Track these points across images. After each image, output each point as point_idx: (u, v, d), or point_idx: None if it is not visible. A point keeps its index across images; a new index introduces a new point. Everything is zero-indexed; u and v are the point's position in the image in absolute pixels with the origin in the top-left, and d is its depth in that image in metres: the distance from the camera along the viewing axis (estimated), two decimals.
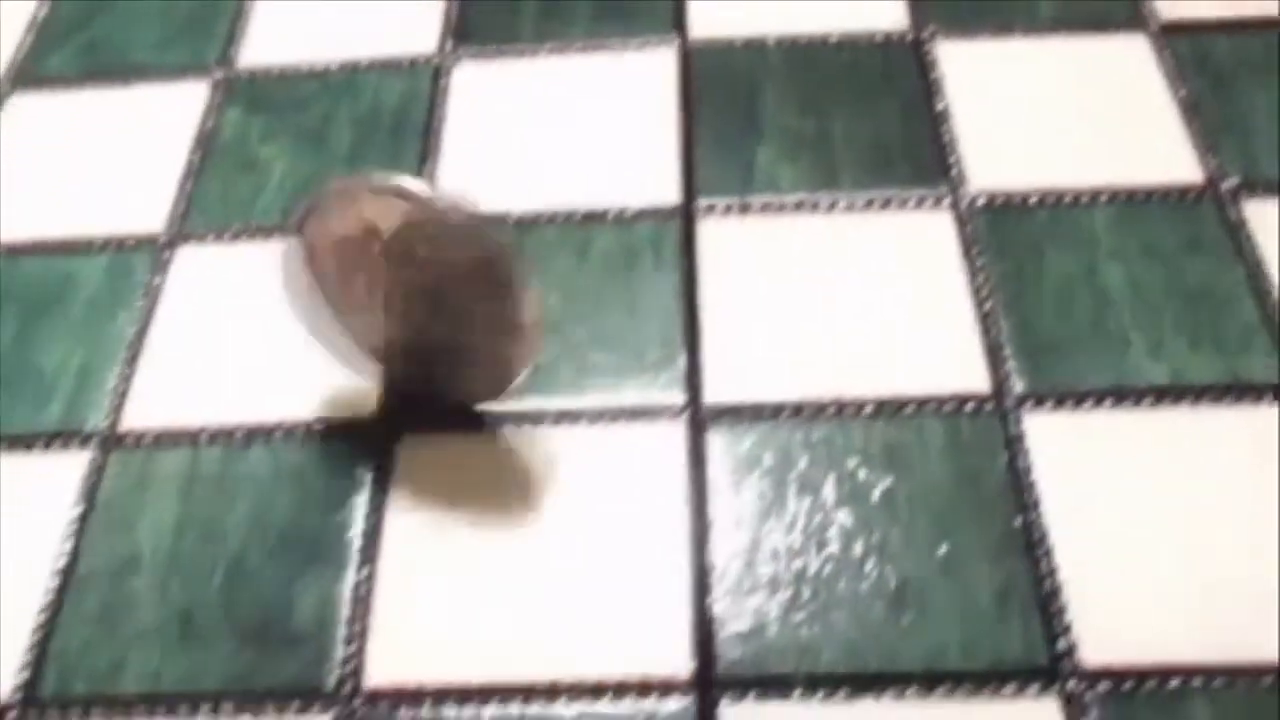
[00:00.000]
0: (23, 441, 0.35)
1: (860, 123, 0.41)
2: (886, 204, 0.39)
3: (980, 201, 0.39)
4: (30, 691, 0.30)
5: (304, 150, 0.42)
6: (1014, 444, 0.33)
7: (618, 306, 0.37)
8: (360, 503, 0.33)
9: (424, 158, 0.41)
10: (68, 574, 0.32)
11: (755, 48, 0.44)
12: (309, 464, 0.34)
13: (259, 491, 0.33)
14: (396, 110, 0.43)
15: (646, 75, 0.44)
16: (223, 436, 0.34)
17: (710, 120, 0.42)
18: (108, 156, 0.43)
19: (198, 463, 0.34)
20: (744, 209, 0.39)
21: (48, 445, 0.35)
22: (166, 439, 0.35)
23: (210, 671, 0.30)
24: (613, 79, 0.44)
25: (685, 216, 0.39)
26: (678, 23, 0.45)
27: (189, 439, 0.34)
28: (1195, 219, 0.38)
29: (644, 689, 0.29)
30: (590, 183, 0.40)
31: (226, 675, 0.29)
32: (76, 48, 0.47)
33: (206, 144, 0.43)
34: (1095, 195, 0.39)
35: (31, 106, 0.45)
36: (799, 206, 0.39)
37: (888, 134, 0.41)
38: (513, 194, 0.40)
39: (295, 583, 0.31)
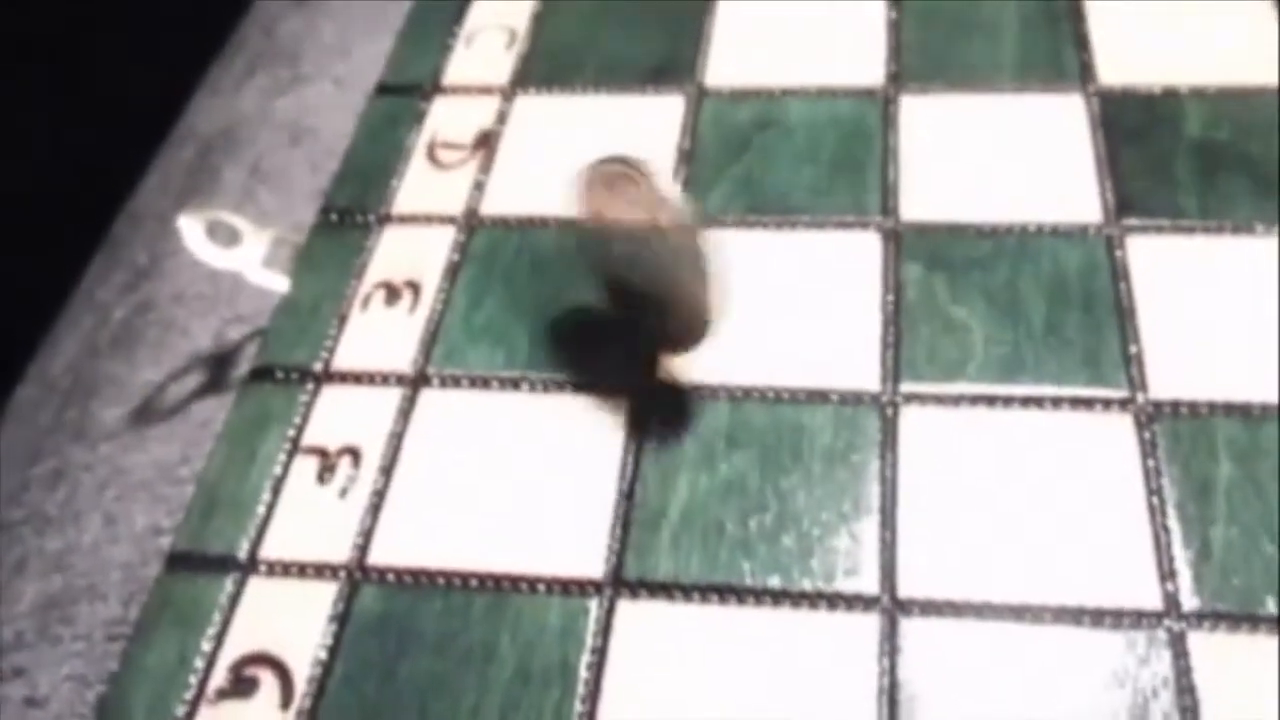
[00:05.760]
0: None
1: None
2: None
3: None
4: None
5: (997, 313, 0.44)
6: None
7: None
8: None
9: (1123, 333, 0.43)
10: None
11: None
12: None
13: None
14: (1080, 278, 0.45)
15: None
16: None
17: None
18: (799, 299, 0.46)
19: None
20: None
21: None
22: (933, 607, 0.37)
23: None
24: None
25: None
26: None
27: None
28: None
29: None
30: None
31: None
32: (733, 183, 0.50)
33: (895, 298, 0.45)
34: None
35: None
36: None
37: None
38: (1236, 382, 0.42)
39: None
